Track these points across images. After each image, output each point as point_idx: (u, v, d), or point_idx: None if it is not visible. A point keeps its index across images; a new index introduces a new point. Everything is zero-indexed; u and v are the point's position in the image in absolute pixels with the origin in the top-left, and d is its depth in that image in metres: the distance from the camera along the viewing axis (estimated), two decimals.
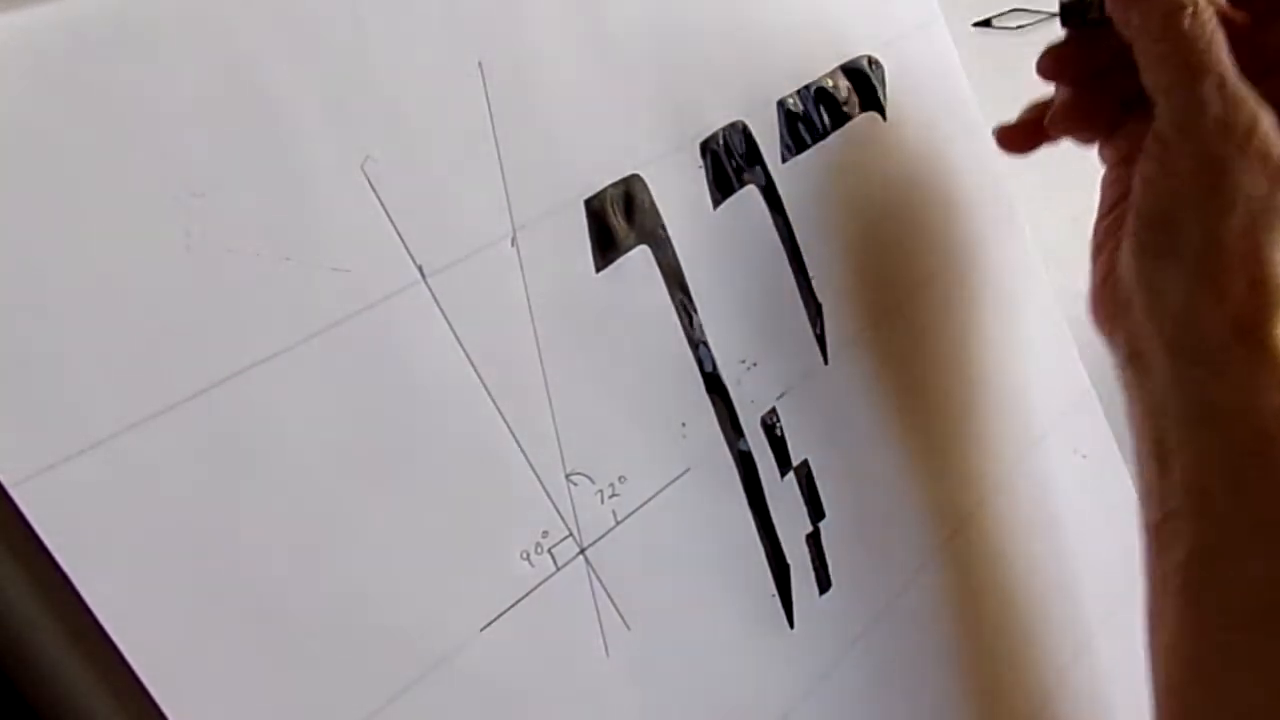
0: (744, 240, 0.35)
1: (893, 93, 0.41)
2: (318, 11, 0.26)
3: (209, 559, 0.23)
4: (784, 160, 0.37)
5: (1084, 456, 0.48)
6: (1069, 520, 0.46)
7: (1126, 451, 0.40)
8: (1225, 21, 0.35)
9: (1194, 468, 0.36)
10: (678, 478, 0.32)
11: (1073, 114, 0.39)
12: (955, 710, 0.40)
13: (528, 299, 0.29)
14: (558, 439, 0.29)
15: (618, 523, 0.31)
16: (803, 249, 0.37)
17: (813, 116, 0.38)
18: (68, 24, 0.22)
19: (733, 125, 0.35)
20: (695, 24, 0.35)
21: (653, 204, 0.33)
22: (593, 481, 0.30)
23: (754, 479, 0.34)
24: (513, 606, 0.28)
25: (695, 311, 0.33)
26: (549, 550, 0.29)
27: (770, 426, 0.35)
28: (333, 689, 0.25)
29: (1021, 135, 0.40)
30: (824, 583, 0.36)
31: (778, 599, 0.34)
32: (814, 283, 0.37)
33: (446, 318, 0.28)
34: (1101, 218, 0.40)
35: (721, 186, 0.35)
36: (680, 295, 0.33)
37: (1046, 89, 0.40)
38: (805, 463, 0.36)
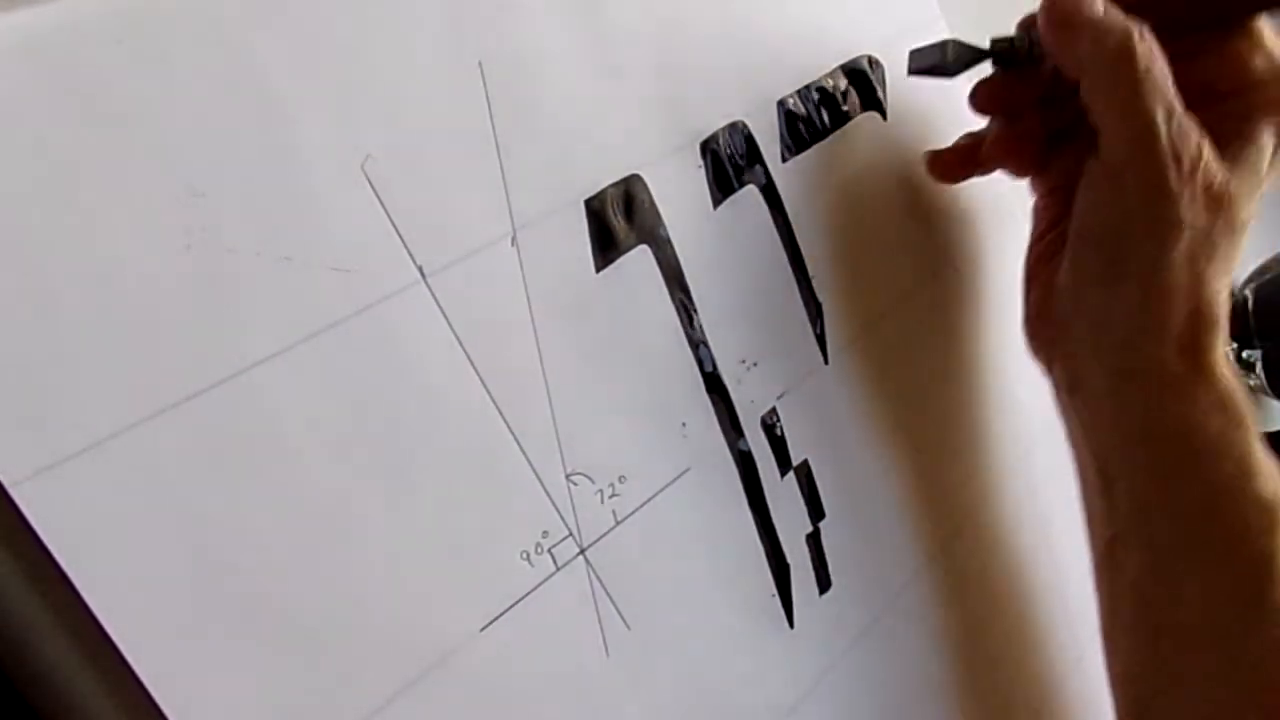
0: (744, 240, 0.35)
1: (893, 93, 0.41)
2: (318, 11, 0.26)
3: (209, 559, 0.23)
4: (784, 160, 0.37)
5: None
6: (1068, 520, 0.46)
7: None
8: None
9: (1138, 489, 0.37)
10: (678, 478, 0.32)
11: (1006, 146, 0.39)
12: (955, 710, 0.40)
13: (528, 299, 0.29)
14: (558, 439, 0.29)
15: (618, 523, 0.31)
16: (803, 249, 0.37)
17: (813, 116, 0.38)
18: (68, 24, 0.22)
19: (733, 125, 0.35)
20: (695, 24, 0.35)
21: (653, 204, 0.33)
22: (593, 481, 0.30)
23: (754, 479, 0.34)
24: (513, 606, 0.28)
25: (695, 311, 0.33)
26: (549, 550, 0.29)
27: (770, 426, 0.35)
28: (333, 689, 0.25)
29: (954, 162, 0.40)
30: (824, 583, 0.36)
31: (778, 599, 0.34)
32: (814, 283, 0.37)
33: (446, 318, 0.28)
34: (1033, 245, 0.41)
35: (721, 186, 0.35)
36: (680, 295, 0.33)
37: None
38: (805, 463, 0.36)
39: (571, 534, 0.30)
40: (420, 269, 0.27)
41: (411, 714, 0.26)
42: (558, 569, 0.29)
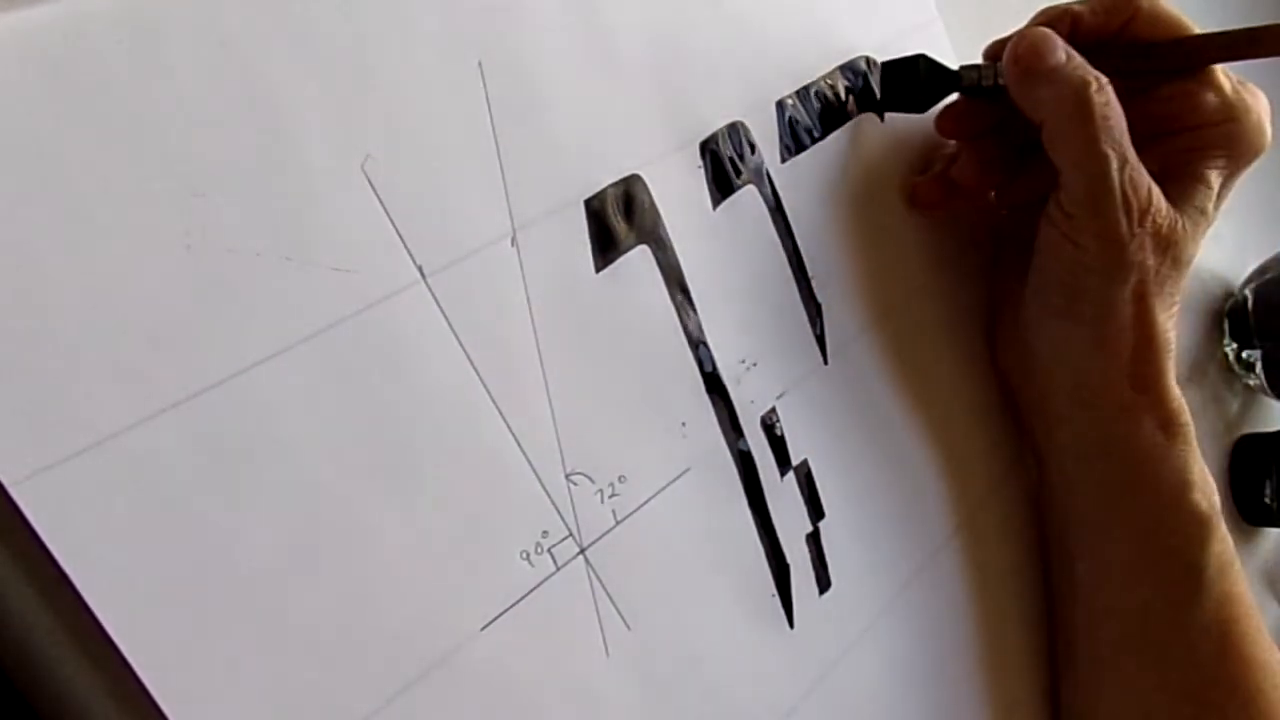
0: (744, 240, 0.35)
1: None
2: (318, 12, 0.26)
3: (209, 559, 0.23)
4: (783, 160, 0.37)
5: None
6: None
7: None
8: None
9: (1090, 502, 0.41)
10: (678, 478, 0.32)
11: (975, 164, 0.41)
12: (956, 710, 0.40)
13: (528, 299, 0.29)
14: (558, 439, 0.29)
15: (618, 523, 0.31)
16: (802, 249, 0.37)
17: (812, 117, 0.38)
18: (68, 24, 0.22)
19: (732, 125, 0.35)
20: (695, 24, 0.35)
21: (653, 204, 0.33)
22: (593, 481, 0.30)
23: (754, 479, 0.34)
24: (513, 606, 0.28)
25: (695, 311, 0.33)
26: (549, 550, 0.29)
27: (770, 426, 0.35)
28: (333, 689, 0.25)
29: (935, 190, 0.41)
30: (824, 583, 0.36)
31: (778, 599, 0.34)
32: (814, 283, 0.37)
33: (446, 318, 0.28)
34: (1000, 267, 0.44)
35: (721, 186, 0.35)
36: (680, 295, 0.33)
37: None
38: (805, 462, 0.36)
39: (571, 534, 0.30)
40: (420, 269, 0.27)
41: (411, 714, 0.26)
42: (558, 569, 0.29)
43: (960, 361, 0.43)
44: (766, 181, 0.36)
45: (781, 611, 0.34)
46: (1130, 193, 0.36)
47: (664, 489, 0.32)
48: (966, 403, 0.43)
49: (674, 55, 0.34)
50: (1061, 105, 0.36)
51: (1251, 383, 0.61)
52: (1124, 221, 0.37)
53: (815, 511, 0.36)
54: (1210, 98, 0.39)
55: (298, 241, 0.25)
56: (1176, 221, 0.38)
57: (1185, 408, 0.40)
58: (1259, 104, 0.39)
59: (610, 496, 0.31)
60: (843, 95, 0.39)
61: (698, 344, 0.33)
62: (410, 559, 0.26)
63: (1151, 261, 0.38)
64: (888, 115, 0.41)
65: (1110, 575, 0.41)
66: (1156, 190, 0.37)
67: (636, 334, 0.32)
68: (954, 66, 0.40)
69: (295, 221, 0.25)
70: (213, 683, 0.23)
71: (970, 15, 0.44)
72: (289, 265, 0.25)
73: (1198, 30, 0.39)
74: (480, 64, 0.29)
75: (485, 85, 0.29)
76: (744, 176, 0.35)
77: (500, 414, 0.28)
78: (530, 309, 0.29)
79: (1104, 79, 0.36)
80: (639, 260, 0.32)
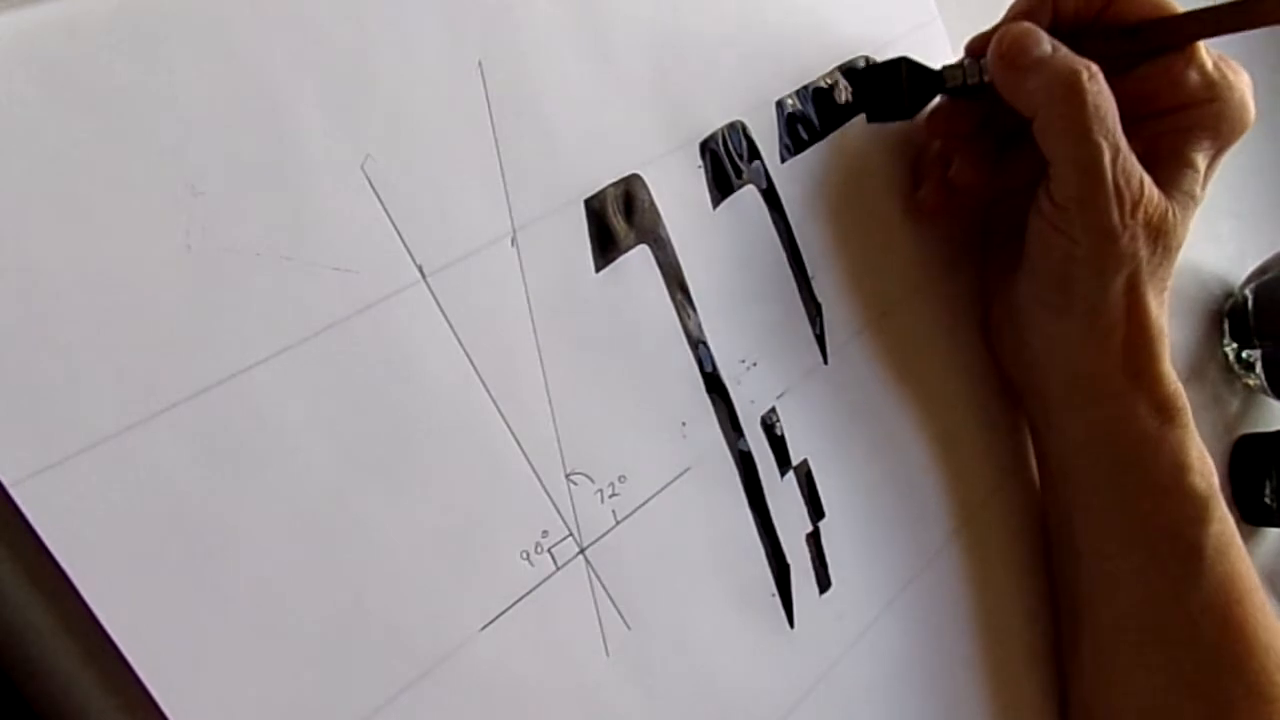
0: (744, 240, 0.35)
1: None
2: (318, 11, 0.26)
3: (209, 559, 0.23)
4: (783, 160, 0.37)
5: None
6: None
7: None
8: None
9: (1085, 486, 0.42)
10: (678, 478, 0.32)
11: (970, 163, 0.40)
12: (956, 710, 0.40)
13: (528, 299, 0.29)
14: (558, 439, 0.29)
15: (618, 523, 0.31)
16: (802, 249, 0.37)
17: (811, 117, 0.38)
18: (68, 24, 0.22)
19: (732, 125, 0.35)
20: (695, 24, 0.35)
21: (653, 204, 0.33)
22: (593, 481, 0.30)
23: (754, 479, 0.34)
24: (513, 606, 0.28)
25: (695, 311, 0.33)
26: (549, 550, 0.29)
27: (770, 426, 0.35)
28: (333, 688, 0.25)
29: (938, 195, 0.41)
30: (824, 582, 0.36)
31: (778, 599, 0.34)
32: (814, 283, 0.37)
33: (446, 318, 0.28)
34: (991, 257, 0.44)
35: (721, 186, 0.35)
36: (680, 295, 0.33)
37: None
38: (805, 462, 0.36)
39: (571, 534, 0.30)
40: (420, 269, 0.27)
41: (411, 714, 0.26)
42: (558, 569, 0.29)
43: (961, 360, 0.43)
44: (766, 181, 0.36)
45: (781, 611, 0.34)
46: (1123, 184, 0.36)
47: (664, 489, 0.32)
48: (967, 401, 0.43)
49: (674, 55, 0.34)
50: (1052, 96, 0.36)
51: (1251, 383, 0.61)
52: (1116, 213, 0.36)
53: (815, 511, 0.36)
54: (1193, 76, 0.38)
55: (298, 241, 0.25)
56: (1167, 210, 0.37)
57: (1181, 391, 0.40)
58: (1241, 81, 0.39)
59: (610, 496, 0.31)
60: (842, 95, 0.39)
61: (698, 344, 0.33)
62: (410, 559, 0.26)
63: (1144, 252, 0.37)
64: None
65: (1112, 560, 0.41)
66: (1148, 180, 0.37)
67: (636, 334, 0.32)
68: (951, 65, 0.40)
69: (295, 221, 0.25)
70: (212, 682, 0.23)
71: (970, 15, 0.44)
72: (289, 265, 0.25)
73: (1179, 9, 0.38)
74: (480, 64, 0.29)
75: (485, 85, 0.29)
76: (744, 176, 0.35)
77: (500, 414, 0.28)
78: (530, 309, 0.29)
79: (1094, 66, 0.36)
80: (639, 260, 0.32)
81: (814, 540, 0.36)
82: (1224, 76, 0.38)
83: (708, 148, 0.34)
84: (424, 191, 0.27)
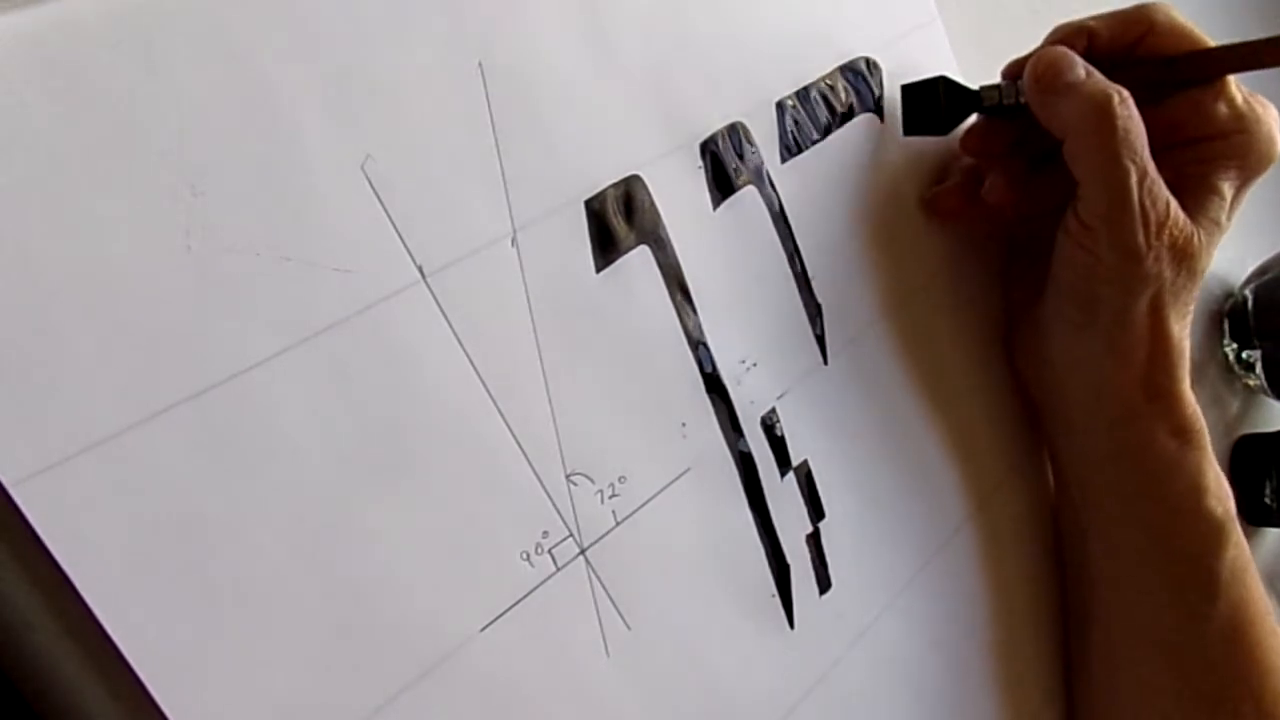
0: (744, 240, 0.35)
1: (890, 94, 0.41)
2: (318, 12, 0.26)
3: (209, 559, 0.23)
4: (783, 160, 0.37)
5: None
6: None
7: None
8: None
9: (1104, 506, 0.42)
10: (678, 478, 0.32)
11: (1003, 182, 0.41)
12: (957, 710, 0.40)
13: (528, 299, 0.29)
14: (558, 439, 0.29)
15: (618, 523, 0.31)
16: (802, 249, 0.37)
17: (812, 117, 0.38)
18: (68, 24, 0.22)
19: (732, 126, 0.35)
20: (695, 25, 0.35)
21: (653, 204, 0.33)
22: (593, 481, 0.30)
23: (754, 479, 0.34)
24: (513, 606, 0.28)
25: (695, 311, 0.33)
26: (549, 550, 0.29)
27: (770, 426, 0.35)
28: (333, 688, 0.25)
29: (956, 199, 0.42)
30: (824, 583, 0.36)
31: (778, 599, 0.34)
32: (814, 283, 0.37)
33: (446, 318, 0.28)
34: (1017, 274, 0.45)
35: (721, 187, 0.35)
36: (680, 295, 0.33)
37: None
38: (805, 463, 0.36)
39: (571, 534, 0.30)
40: (420, 269, 0.27)
41: (412, 714, 0.26)
42: (558, 569, 0.29)
43: (961, 361, 0.43)
44: (766, 182, 0.36)
45: (781, 612, 0.34)
46: (1149, 205, 0.37)
47: (664, 489, 0.32)
48: (967, 402, 0.43)
49: (674, 55, 0.34)
50: (1084, 118, 0.37)
51: (1251, 383, 0.61)
52: (1141, 234, 0.37)
53: (815, 512, 0.36)
54: (1222, 109, 0.39)
55: (298, 241, 0.25)
56: (1193, 234, 0.38)
57: (1199, 415, 0.40)
58: (1270, 115, 0.40)
59: (610, 497, 0.31)
60: (843, 96, 0.39)
61: (698, 344, 0.33)
62: (410, 559, 0.26)
63: (1168, 273, 0.38)
64: (888, 115, 0.41)
65: (1125, 580, 0.42)
66: (1174, 203, 0.38)
67: (636, 334, 0.32)
68: (954, 68, 0.40)
69: (295, 221, 0.25)
70: (213, 682, 0.23)
71: (970, 15, 0.44)
72: (289, 265, 0.25)
73: (1212, 43, 0.39)
74: (480, 64, 0.29)
75: (485, 85, 0.29)
76: (744, 177, 0.35)
77: (500, 414, 0.28)
78: (530, 309, 0.29)
79: (1125, 92, 0.37)
80: (639, 260, 0.32)
81: (814, 541, 0.36)
82: (1252, 110, 0.40)
83: (708, 148, 0.34)
84: (424, 192, 0.27)
